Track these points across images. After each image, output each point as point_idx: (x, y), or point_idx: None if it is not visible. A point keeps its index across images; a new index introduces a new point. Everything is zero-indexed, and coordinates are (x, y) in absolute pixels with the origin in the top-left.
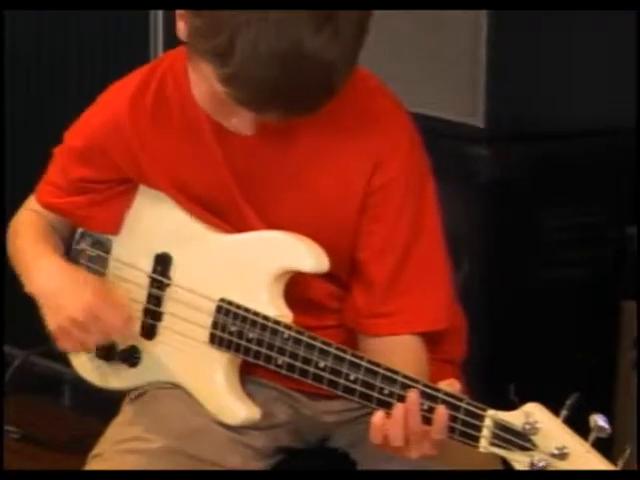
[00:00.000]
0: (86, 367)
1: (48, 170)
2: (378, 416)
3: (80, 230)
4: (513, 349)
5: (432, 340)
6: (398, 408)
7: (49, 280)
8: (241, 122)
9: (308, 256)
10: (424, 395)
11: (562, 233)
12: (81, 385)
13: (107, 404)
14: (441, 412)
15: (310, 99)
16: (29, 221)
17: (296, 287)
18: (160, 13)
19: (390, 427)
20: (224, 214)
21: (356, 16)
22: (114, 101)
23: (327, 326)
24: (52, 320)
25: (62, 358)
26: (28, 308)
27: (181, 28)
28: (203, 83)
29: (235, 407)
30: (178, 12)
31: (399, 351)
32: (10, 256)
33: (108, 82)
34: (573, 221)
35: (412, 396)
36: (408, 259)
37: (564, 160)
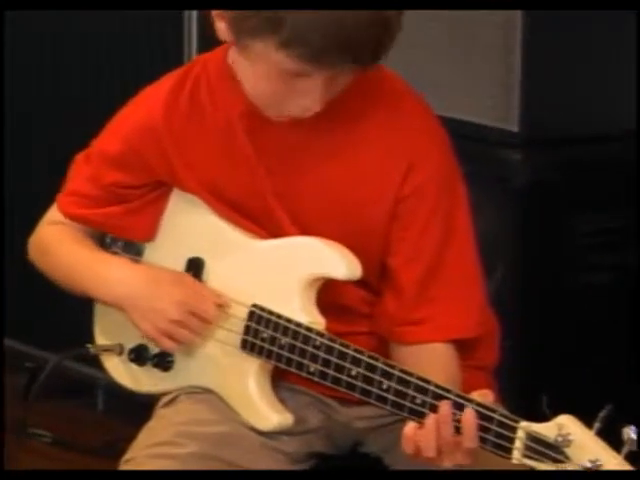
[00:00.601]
0: (119, 371)
1: (69, 180)
2: (410, 427)
3: (109, 237)
4: (546, 354)
5: (464, 346)
6: (430, 419)
7: (128, 286)
8: (309, 99)
9: (341, 263)
10: (456, 406)
11: (596, 237)
12: (114, 389)
13: (140, 409)
14: (468, 416)
15: (371, 38)
16: (62, 233)
17: (328, 292)
18: (194, 15)
19: (422, 438)
20: (257, 218)
21: None
22: (148, 103)
23: (358, 332)
24: (147, 324)
25: (95, 362)
26: (59, 311)
27: (221, 28)
28: (260, 71)
29: (267, 413)
30: (215, 13)
31: (431, 359)
32: (53, 273)
33: (141, 85)
34: (606, 225)
35: (444, 407)
36: (439, 266)
37: (597, 164)
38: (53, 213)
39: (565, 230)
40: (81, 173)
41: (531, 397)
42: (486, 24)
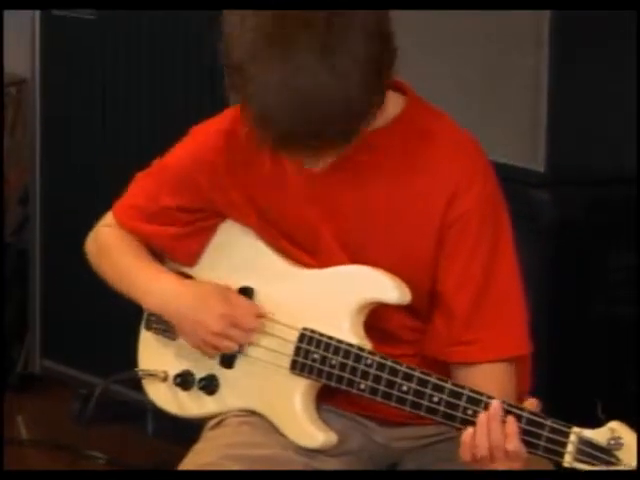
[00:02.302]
0: (163, 397)
1: (129, 192)
2: (467, 433)
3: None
4: (575, 388)
5: None
6: (482, 415)
7: (175, 299)
8: (307, 160)
9: (393, 288)
10: (509, 413)
11: (620, 273)
12: (163, 414)
13: (187, 431)
14: (511, 422)
15: (330, 134)
16: (118, 236)
17: (372, 318)
18: None
19: (476, 436)
20: (308, 247)
21: (363, 58)
22: (209, 135)
23: (401, 355)
24: (193, 337)
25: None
26: (116, 340)
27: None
28: None
29: (313, 431)
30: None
31: (485, 378)
32: (106, 274)
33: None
34: (630, 262)
35: (495, 405)
36: (487, 290)
37: (621, 203)
38: (110, 218)
39: (591, 266)
40: (142, 189)
41: (560, 419)
42: (515, 71)
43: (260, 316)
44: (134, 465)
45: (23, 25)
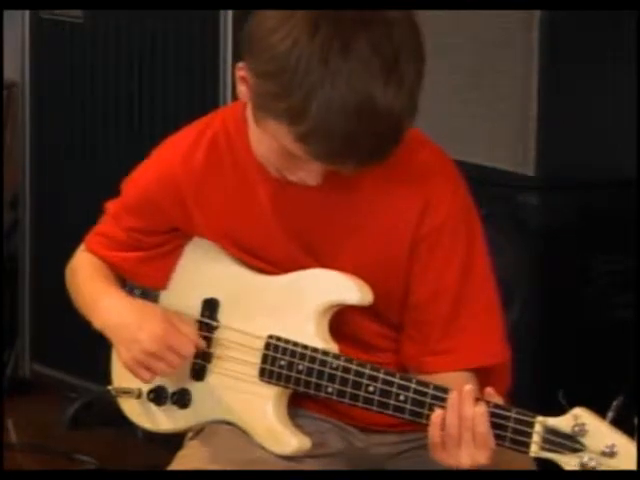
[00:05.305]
0: (137, 412)
1: (100, 222)
2: (438, 414)
3: (128, 283)
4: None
5: (478, 377)
6: (454, 394)
7: (117, 316)
8: (309, 175)
9: (353, 288)
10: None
11: (609, 277)
12: None
13: (178, 436)
14: (480, 403)
15: (382, 149)
16: (85, 261)
17: (342, 325)
18: (229, 61)
19: (446, 415)
20: (276, 262)
21: (415, 64)
22: (167, 157)
23: (379, 363)
24: (126, 353)
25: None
26: (98, 341)
27: (242, 91)
28: (269, 141)
29: (287, 437)
30: (239, 76)
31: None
32: (72, 296)
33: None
34: (620, 266)
35: (467, 388)
36: (461, 300)
37: (611, 207)
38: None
39: (579, 270)
40: (108, 216)
41: None
42: (505, 75)
43: (198, 347)
44: (125, 469)
45: (13, 28)
